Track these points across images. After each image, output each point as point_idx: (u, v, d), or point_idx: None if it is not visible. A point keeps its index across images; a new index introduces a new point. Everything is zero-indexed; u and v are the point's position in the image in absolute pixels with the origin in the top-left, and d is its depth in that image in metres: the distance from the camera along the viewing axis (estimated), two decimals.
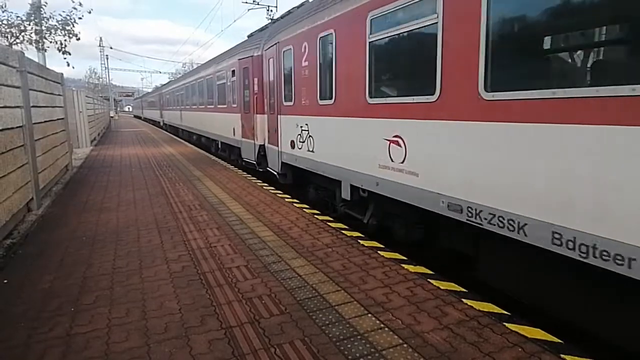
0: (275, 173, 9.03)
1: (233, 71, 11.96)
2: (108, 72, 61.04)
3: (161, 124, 35.61)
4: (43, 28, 14.76)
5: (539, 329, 3.12)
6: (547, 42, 3.36)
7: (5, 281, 4.12)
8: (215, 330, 3.15)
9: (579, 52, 3.33)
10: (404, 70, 4.97)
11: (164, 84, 38.84)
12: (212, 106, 15.09)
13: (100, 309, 3.50)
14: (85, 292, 3.83)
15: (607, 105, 2.66)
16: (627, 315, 2.92)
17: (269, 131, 9.35)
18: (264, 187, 8.82)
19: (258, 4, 26.54)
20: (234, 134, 12.16)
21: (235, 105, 11.93)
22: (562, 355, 2.79)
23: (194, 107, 19.31)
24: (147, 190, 8.55)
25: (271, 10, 27.35)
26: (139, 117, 62.79)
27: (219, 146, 14.94)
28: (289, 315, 3.36)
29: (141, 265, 4.48)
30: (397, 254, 4.77)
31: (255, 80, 10.09)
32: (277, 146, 8.69)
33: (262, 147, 9.99)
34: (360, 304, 3.56)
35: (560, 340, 2.99)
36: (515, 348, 2.89)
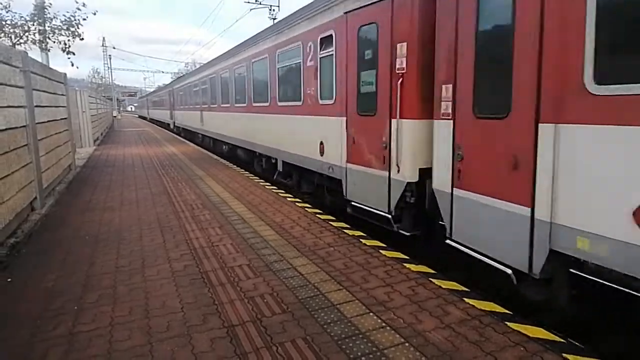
0: (507, 270, 3.67)
1: (325, 39, 6.81)
2: (111, 72, 61.23)
3: (171, 126, 30.31)
4: (47, 28, 14.82)
5: (541, 328, 3.12)
6: None
7: (9, 280, 4.15)
8: (217, 328, 3.16)
9: None
10: None
11: (177, 78, 30.58)
12: (265, 104, 9.71)
13: (103, 308, 3.52)
14: (88, 291, 3.85)
15: None
16: None
17: (463, 159, 4.15)
18: (266, 187, 8.82)
19: (260, 4, 26.57)
20: (323, 153, 7.02)
21: (329, 103, 6.74)
22: (564, 355, 2.79)
23: (225, 105, 13.68)
24: (149, 190, 8.58)
25: (274, 10, 27.39)
26: (144, 118, 59.62)
27: (280, 168, 9.18)
28: (291, 314, 3.37)
29: (144, 264, 4.49)
30: (399, 253, 4.77)
31: (402, 47, 4.98)
32: (526, 204, 3.45)
33: (411, 187, 5.02)
34: (362, 303, 3.56)
35: (562, 340, 2.99)
36: (517, 347, 2.89)
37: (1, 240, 5.26)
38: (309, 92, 7.54)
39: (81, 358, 2.82)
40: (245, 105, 11.47)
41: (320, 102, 7.11)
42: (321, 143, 7.10)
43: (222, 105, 14.14)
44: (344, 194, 6.34)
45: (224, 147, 15.06)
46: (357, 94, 5.92)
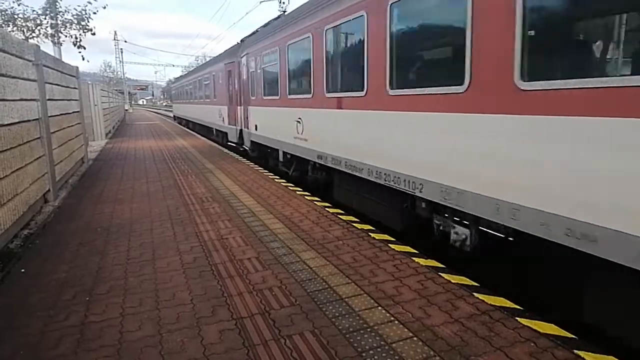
0: None
1: None
2: (122, 65, 61.64)
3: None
4: (58, 22, 14.96)
5: (552, 324, 3.08)
6: None
7: (23, 270, 4.22)
8: (226, 320, 3.18)
9: None
10: None
11: None
12: None
13: (114, 299, 3.56)
14: (100, 282, 3.90)
15: None
16: None
17: None
18: (276, 180, 8.83)
19: None
20: None
21: None
22: (575, 351, 2.75)
23: None
24: (160, 183, 8.65)
25: (284, 3, 27.25)
26: (180, 120, 31.77)
27: None
28: (299, 307, 3.37)
29: (154, 256, 4.54)
30: (408, 247, 4.74)
31: None
32: None
33: None
34: (371, 296, 3.55)
35: (574, 336, 2.94)
36: (528, 343, 2.85)
37: (15, 232, 5.36)
38: None
39: (93, 347, 2.86)
40: None
41: None
42: None
43: None
44: None
45: None
46: None
